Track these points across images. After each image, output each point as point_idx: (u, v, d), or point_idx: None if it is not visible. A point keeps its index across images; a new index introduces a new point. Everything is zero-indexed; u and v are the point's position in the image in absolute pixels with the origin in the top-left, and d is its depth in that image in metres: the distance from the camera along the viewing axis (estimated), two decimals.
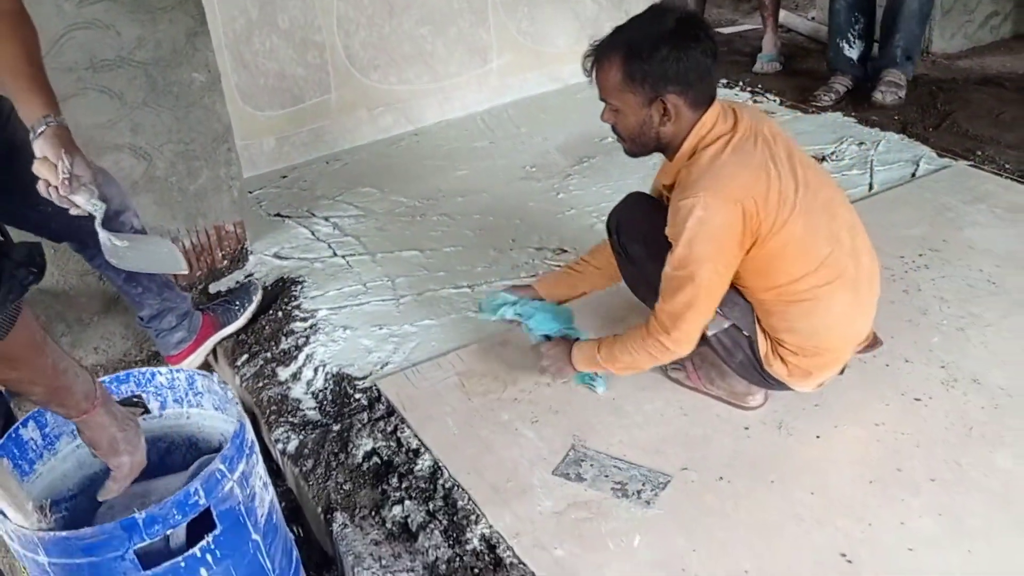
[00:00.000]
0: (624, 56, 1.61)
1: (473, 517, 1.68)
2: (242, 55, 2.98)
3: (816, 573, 1.52)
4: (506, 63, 3.58)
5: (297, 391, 2.12)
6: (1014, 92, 3.50)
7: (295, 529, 1.90)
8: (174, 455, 1.69)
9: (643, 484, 1.72)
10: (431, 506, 1.73)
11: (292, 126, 3.21)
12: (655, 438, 1.83)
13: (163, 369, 1.61)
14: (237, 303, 2.37)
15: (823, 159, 2.98)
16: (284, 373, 2.18)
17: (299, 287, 2.50)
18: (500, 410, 1.94)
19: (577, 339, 1.91)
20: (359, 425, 1.95)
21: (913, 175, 2.84)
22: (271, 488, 1.54)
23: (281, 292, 2.49)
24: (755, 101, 3.55)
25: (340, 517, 1.75)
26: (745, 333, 1.74)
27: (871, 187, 2.79)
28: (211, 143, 2.44)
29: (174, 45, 2.27)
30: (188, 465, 1.55)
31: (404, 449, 1.88)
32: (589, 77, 1.70)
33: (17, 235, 1.22)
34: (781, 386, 1.80)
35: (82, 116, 2.19)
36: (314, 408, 2.06)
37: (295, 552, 1.65)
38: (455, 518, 1.69)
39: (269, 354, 2.26)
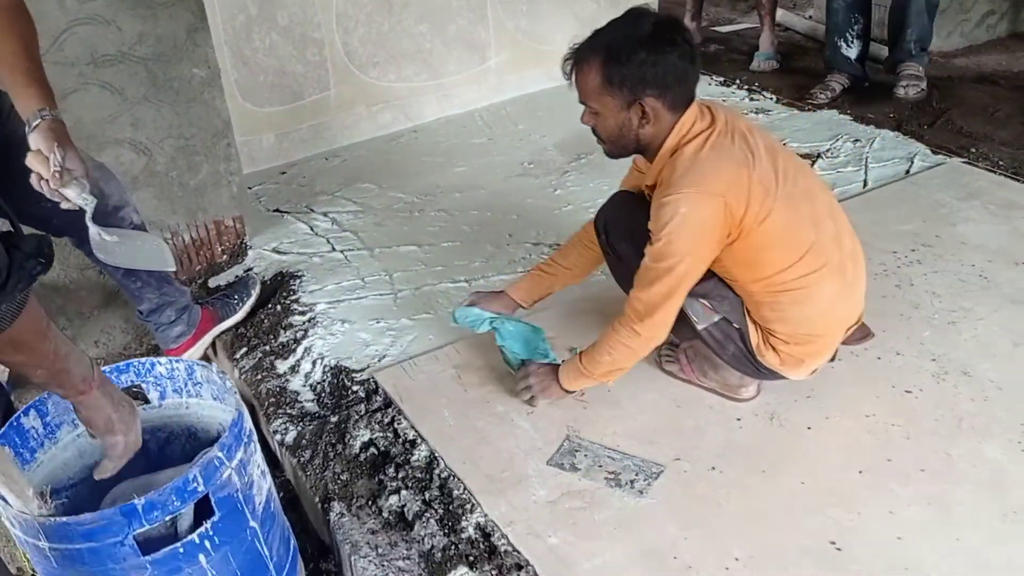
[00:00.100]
0: (603, 60, 1.64)
1: (468, 506, 1.70)
2: (242, 52, 3.00)
3: (805, 560, 1.54)
4: (504, 61, 3.60)
5: (295, 383, 2.14)
6: (1009, 90, 3.53)
7: (293, 519, 1.92)
8: (173, 445, 1.71)
9: (636, 474, 1.74)
10: (427, 495, 1.75)
11: (291, 122, 3.23)
12: (649, 429, 1.85)
13: (162, 359, 1.63)
14: (236, 297, 2.39)
15: (819, 156, 3.00)
16: (282, 366, 2.21)
17: (298, 281, 2.52)
18: (496, 402, 1.97)
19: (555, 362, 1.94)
20: (356, 417, 1.98)
21: (907, 172, 2.86)
22: (269, 477, 1.56)
23: (280, 286, 2.51)
24: (751, 99, 3.57)
25: (337, 506, 1.77)
26: (735, 326, 1.76)
27: (865, 184, 2.81)
28: (211, 138, 2.46)
29: (175, 41, 2.29)
30: (188, 455, 1.58)
31: (401, 440, 1.90)
32: (569, 81, 1.72)
33: None
34: (774, 376, 1.82)
35: (83, 111, 2.21)
36: (312, 400, 2.09)
37: (293, 540, 1.67)
38: (451, 507, 1.71)
39: (268, 347, 2.28)
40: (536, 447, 1.83)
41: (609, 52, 1.63)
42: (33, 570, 1.83)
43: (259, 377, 2.18)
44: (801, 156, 3.00)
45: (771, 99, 3.56)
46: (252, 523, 1.47)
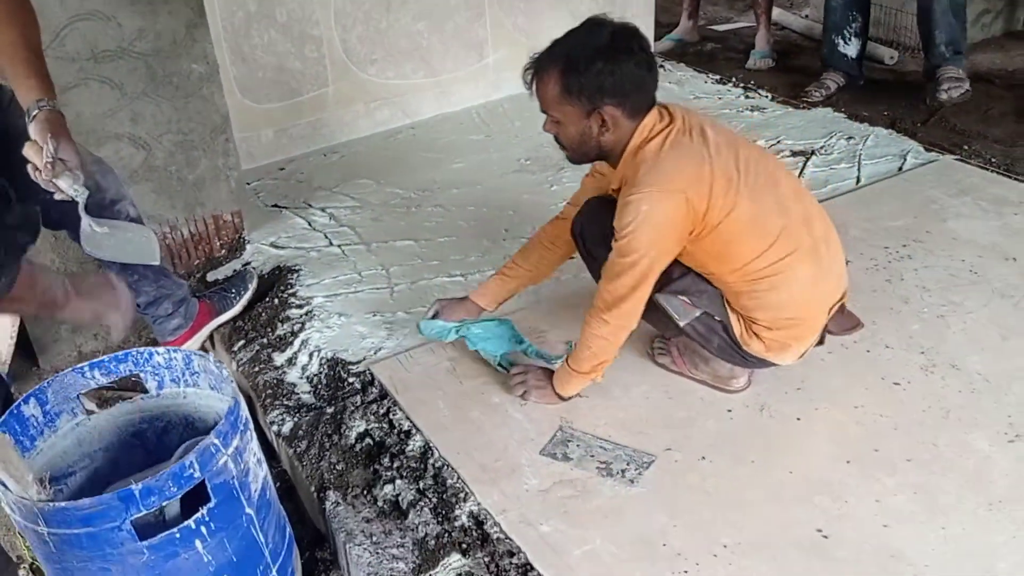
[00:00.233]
0: (561, 70, 1.67)
1: (462, 495, 1.73)
2: (240, 48, 3.03)
3: (792, 547, 1.56)
4: (502, 58, 3.62)
5: (292, 375, 2.16)
6: (1003, 89, 3.55)
7: (289, 508, 1.94)
8: (171, 434, 1.73)
9: (627, 464, 1.76)
10: (421, 485, 1.78)
11: (290, 119, 3.26)
12: (640, 420, 1.88)
13: (160, 349, 1.65)
14: (233, 291, 2.41)
15: (812, 153, 3.02)
16: (280, 358, 2.23)
17: (295, 275, 2.54)
18: (490, 393, 1.99)
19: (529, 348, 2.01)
20: (352, 408, 2.00)
21: (900, 169, 2.88)
22: (265, 465, 1.58)
23: (277, 280, 2.53)
24: (747, 97, 3.59)
25: (333, 496, 1.79)
26: (717, 318, 1.79)
27: (858, 180, 2.83)
28: (209, 134, 2.48)
29: (174, 37, 2.31)
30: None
31: (396, 430, 1.92)
32: (529, 90, 1.75)
33: None
34: (763, 363, 1.84)
35: (83, 106, 2.24)
36: (308, 392, 2.11)
37: (288, 529, 1.70)
38: (444, 496, 1.74)
39: (265, 340, 2.30)
40: (529, 437, 1.85)
41: (567, 62, 1.66)
42: (33, 557, 1.86)
43: (256, 369, 2.21)
44: (795, 153, 3.03)
45: (766, 97, 3.58)
46: (248, 510, 1.49)
